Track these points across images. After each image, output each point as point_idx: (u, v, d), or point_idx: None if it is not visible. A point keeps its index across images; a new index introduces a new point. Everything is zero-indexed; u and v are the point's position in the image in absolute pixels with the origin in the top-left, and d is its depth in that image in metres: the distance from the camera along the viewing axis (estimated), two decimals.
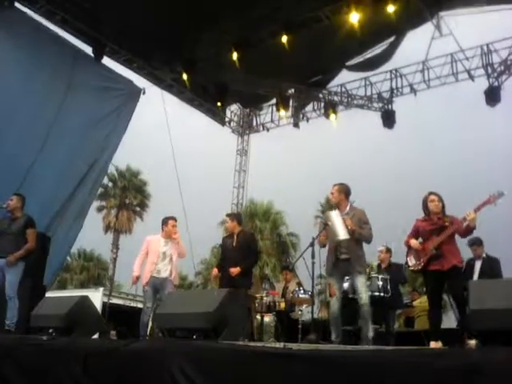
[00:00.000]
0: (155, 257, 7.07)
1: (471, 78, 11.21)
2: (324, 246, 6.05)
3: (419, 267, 5.52)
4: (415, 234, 5.65)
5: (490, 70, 10.99)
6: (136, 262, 7.21)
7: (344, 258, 5.78)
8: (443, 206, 5.51)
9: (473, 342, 4.66)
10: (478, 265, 7.15)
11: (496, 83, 10.95)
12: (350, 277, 5.98)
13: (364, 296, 5.65)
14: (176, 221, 7.38)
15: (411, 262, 5.61)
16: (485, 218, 5.53)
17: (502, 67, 10.93)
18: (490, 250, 7.32)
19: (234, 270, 6.86)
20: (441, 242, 5.35)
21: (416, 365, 3.04)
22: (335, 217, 5.80)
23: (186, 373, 3.71)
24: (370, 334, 5.62)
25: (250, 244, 7.29)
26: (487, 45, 11.01)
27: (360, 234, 5.76)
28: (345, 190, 6.03)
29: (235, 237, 7.23)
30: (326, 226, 6.07)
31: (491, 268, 6.99)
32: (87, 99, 10.23)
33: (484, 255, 7.19)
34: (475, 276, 6.98)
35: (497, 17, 10.30)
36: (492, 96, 10.88)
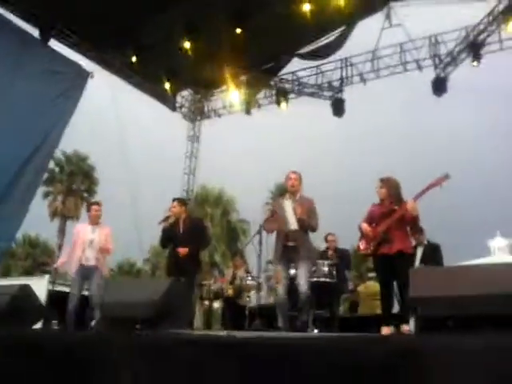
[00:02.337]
0: (82, 244, 7.02)
1: (419, 68, 11.41)
2: (271, 232, 6.06)
3: (369, 251, 5.59)
4: (369, 218, 5.68)
5: (437, 61, 11.23)
6: (65, 250, 7.20)
7: (292, 245, 5.80)
8: (390, 192, 5.53)
9: (410, 328, 4.79)
10: (419, 252, 7.19)
11: (442, 74, 11.21)
12: (295, 264, 5.94)
13: (302, 284, 5.63)
14: (100, 205, 7.30)
15: (362, 245, 5.67)
16: (427, 204, 5.63)
17: (449, 58, 11.18)
18: (432, 236, 7.47)
19: (182, 250, 6.76)
20: (389, 226, 5.39)
21: (358, 351, 3.09)
22: (288, 206, 5.85)
23: (129, 362, 3.66)
24: (304, 318, 5.63)
25: (199, 228, 7.19)
26: (435, 36, 11.24)
27: (308, 224, 5.82)
28: (302, 179, 6.11)
29: (181, 223, 7.11)
30: (274, 214, 6.10)
31: (432, 255, 7.14)
32: (33, 82, 9.85)
33: (425, 242, 7.32)
34: (417, 263, 7.03)
35: (445, 9, 10.52)
36: (439, 86, 11.14)
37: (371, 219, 5.66)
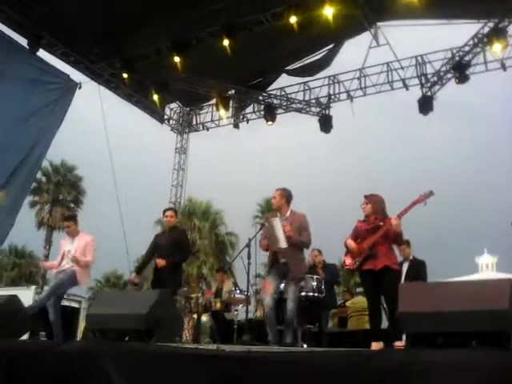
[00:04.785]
0: (60, 256, 7.04)
1: (406, 86, 11.57)
2: (267, 250, 6.04)
3: (354, 267, 5.64)
4: (355, 234, 5.73)
5: (423, 80, 11.41)
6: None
7: (283, 262, 5.81)
8: (375, 208, 5.60)
9: (401, 343, 4.83)
10: (405, 267, 7.24)
11: (429, 93, 11.39)
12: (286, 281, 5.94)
13: (290, 303, 5.68)
14: (69, 220, 7.34)
15: (348, 261, 5.71)
16: (412, 220, 5.73)
17: (435, 78, 11.38)
18: (421, 252, 7.55)
19: (160, 261, 6.81)
20: (374, 241, 5.45)
21: (348, 366, 3.12)
22: (277, 224, 5.80)
23: (117, 375, 3.66)
24: (288, 340, 5.61)
25: (180, 240, 7.15)
26: (421, 56, 11.43)
27: (298, 240, 5.78)
28: (286, 195, 6.06)
29: (167, 232, 7.18)
30: (263, 229, 6.14)
31: (417, 270, 7.21)
32: (20, 92, 9.90)
33: (411, 257, 7.39)
34: (402, 278, 7.04)
35: (431, 31, 10.73)
36: (425, 105, 11.31)
37: (357, 235, 5.72)
